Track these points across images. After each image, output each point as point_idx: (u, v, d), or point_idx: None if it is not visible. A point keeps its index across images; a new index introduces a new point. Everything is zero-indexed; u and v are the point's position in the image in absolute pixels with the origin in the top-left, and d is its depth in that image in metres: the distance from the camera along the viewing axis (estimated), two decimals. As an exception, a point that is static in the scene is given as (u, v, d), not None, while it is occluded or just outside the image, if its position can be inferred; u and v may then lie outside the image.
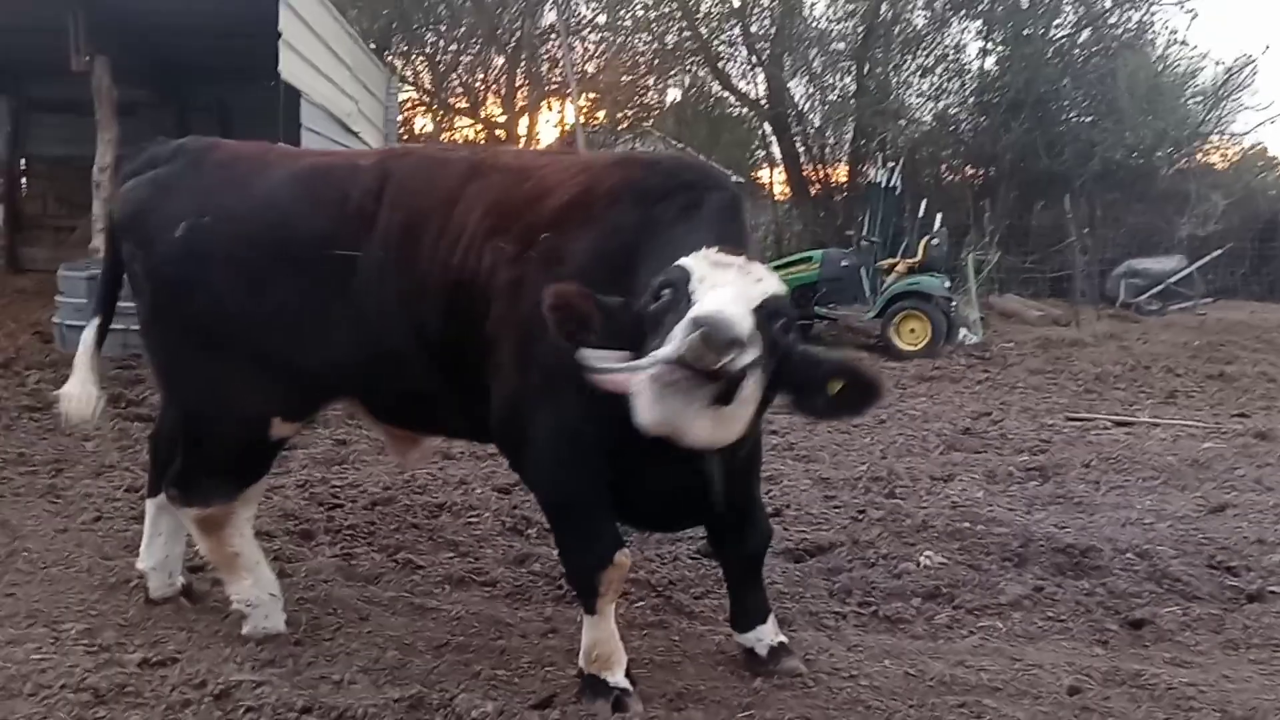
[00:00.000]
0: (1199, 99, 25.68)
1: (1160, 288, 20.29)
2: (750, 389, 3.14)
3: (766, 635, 4.29)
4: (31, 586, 4.91)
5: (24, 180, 18.11)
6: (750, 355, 3.01)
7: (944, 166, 27.02)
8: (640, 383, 3.09)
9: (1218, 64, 25.48)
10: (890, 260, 15.79)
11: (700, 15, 26.16)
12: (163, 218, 4.08)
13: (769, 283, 3.26)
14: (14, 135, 17.35)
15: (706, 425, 3.15)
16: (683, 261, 3.25)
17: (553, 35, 26.60)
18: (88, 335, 4.52)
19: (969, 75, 25.52)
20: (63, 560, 5.26)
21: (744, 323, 3.00)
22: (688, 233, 3.49)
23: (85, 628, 4.33)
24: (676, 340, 2.94)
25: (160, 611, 4.63)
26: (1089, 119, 23.97)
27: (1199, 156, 26.30)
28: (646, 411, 3.12)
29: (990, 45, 24.95)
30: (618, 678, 3.87)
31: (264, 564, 4.44)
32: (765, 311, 3.16)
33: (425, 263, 3.93)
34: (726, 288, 3.12)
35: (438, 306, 3.92)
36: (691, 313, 2.98)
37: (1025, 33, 23.63)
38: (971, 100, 25.43)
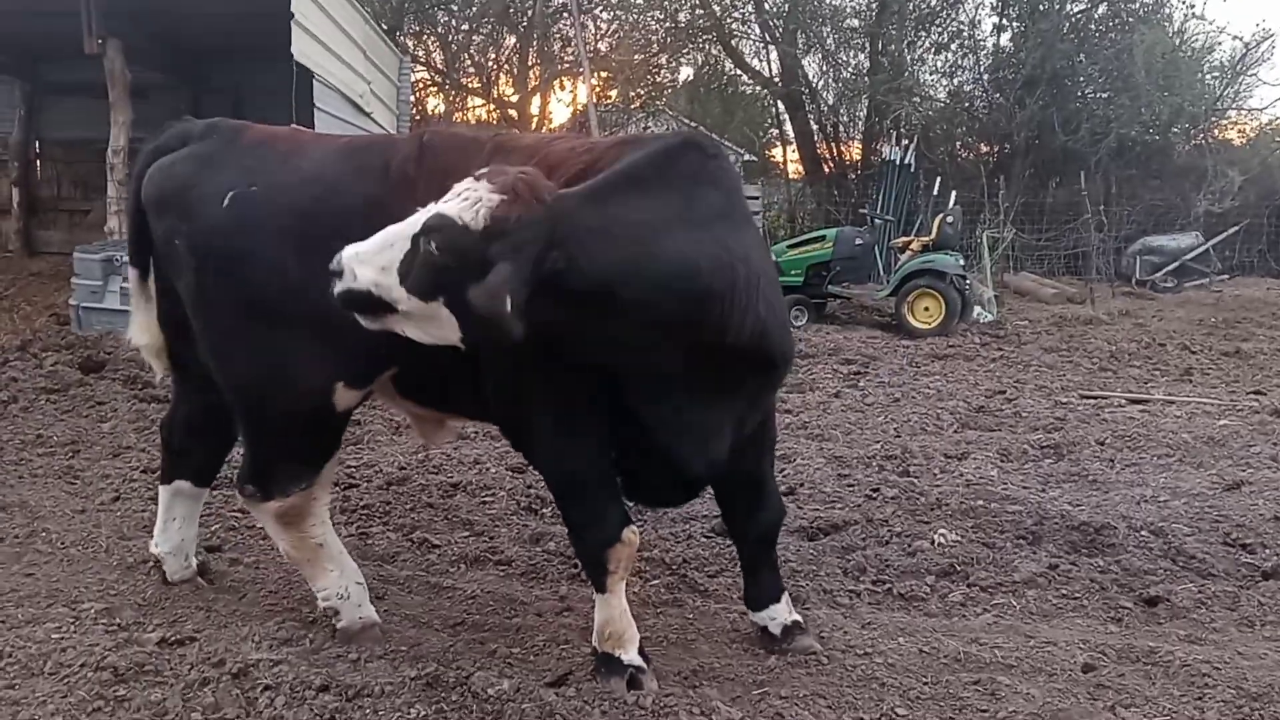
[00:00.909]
0: (1216, 74, 25.51)
1: (1176, 265, 20.14)
2: (407, 296, 3.30)
3: (780, 614, 4.31)
4: (51, 566, 4.97)
5: (38, 163, 18.13)
6: (354, 281, 3.32)
7: (958, 144, 26.88)
8: None
9: (1235, 38, 25.27)
10: (904, 238, 15.74)
11: (713, -8, 26.06)
12: (207, 191, 4.04)
13: (440, 205, 3.31)
14: (28, 119, 17.36)
15: (409, 329, 3.42)
16: None
17: (565, 14, 26.51)
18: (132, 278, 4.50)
19: (984, 52, 25.36)
20: (81, 540, 5.32)
21: (338, 258, 3.34)
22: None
23: (104, 607, 4.37)
24: None
25: (178, 591, 4.68)
26: (1105, 95, 23.76)
27: (1216, 132, 26.03)
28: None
29: (1005, 21, 24.79)
30: (631, 655, 3.90)
31: (345, 552, 4.39)
32: (421, 234, 3.27)
33: None
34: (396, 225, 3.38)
35: None
36: None
37: (1041, 8, 23.47)
38: (986, 77, 25.25)
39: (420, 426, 4.77)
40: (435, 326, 3.35)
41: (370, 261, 3.32)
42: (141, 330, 4.52)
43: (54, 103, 17.37)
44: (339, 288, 3.34)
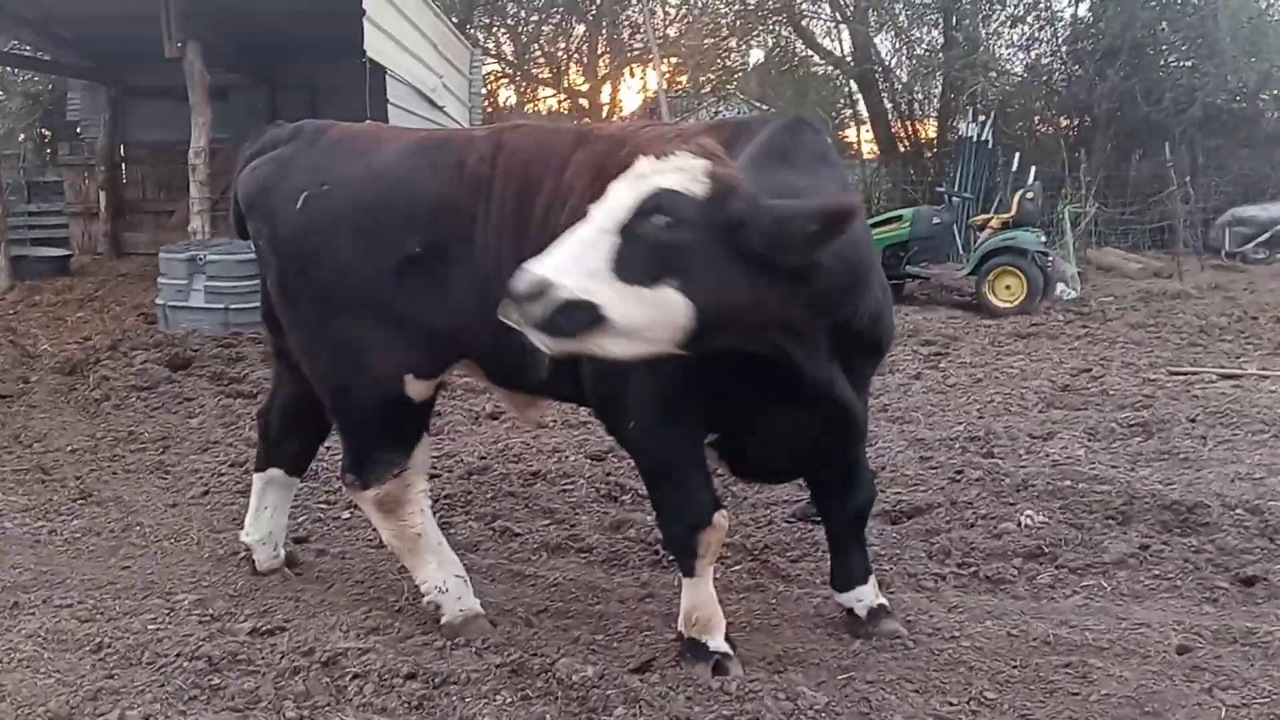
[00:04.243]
0: (1306, 37, 24.68)
1: (1267, 235, 19.54)
2: (619, 298, 3.03)
3: (867, 596, 4.27)
4: (146, 559, 5.10)
5: (124, 167, 18.56)
6: (564, 291, 2.98)
7: (1037, 118, 26.37)
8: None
9: (1326, -1, 24.47)
10: (983, 216, 15.49)
11: (783, -27, 25.85)
12: (284, 192, 4.17)
13: (655, 180, 3.12)
14: (113, 123, 17.78)
15: (618, 344, 3.12)
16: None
17: (634, 1, 26.48)
18: None
19: (1061, 23, 24.81)
20: (174, 534, 5.46)
21: (532, 274, 3.01)
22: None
23: (197, 598, 4.47)
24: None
25: (267, 582, 4.77)
26: (1188, 63, 23.12)
27: (1307, 97, 25.26)
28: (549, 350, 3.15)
29: (1083, -10, 24.25)
30: (718, 641, 3.88)
31: (445, 544, 4.44)
32: (637, 217, 3.07)
33: (537, 226, 3.95)
34: (591, 216, 3.14)
35: None
36: None
37: (1120, -24, 22.92)
38: (1064, 49, 24.71)
39: (514, 406, 4.83)
40: (654, 320, 3.12)
41: (574, 269, 3.05)
42: None
43: (137, 106, 17.79)
44: (543, 307, 3.00)
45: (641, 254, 3.05)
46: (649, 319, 3.09)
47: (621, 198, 3.13)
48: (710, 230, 3.09)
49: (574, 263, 3.04)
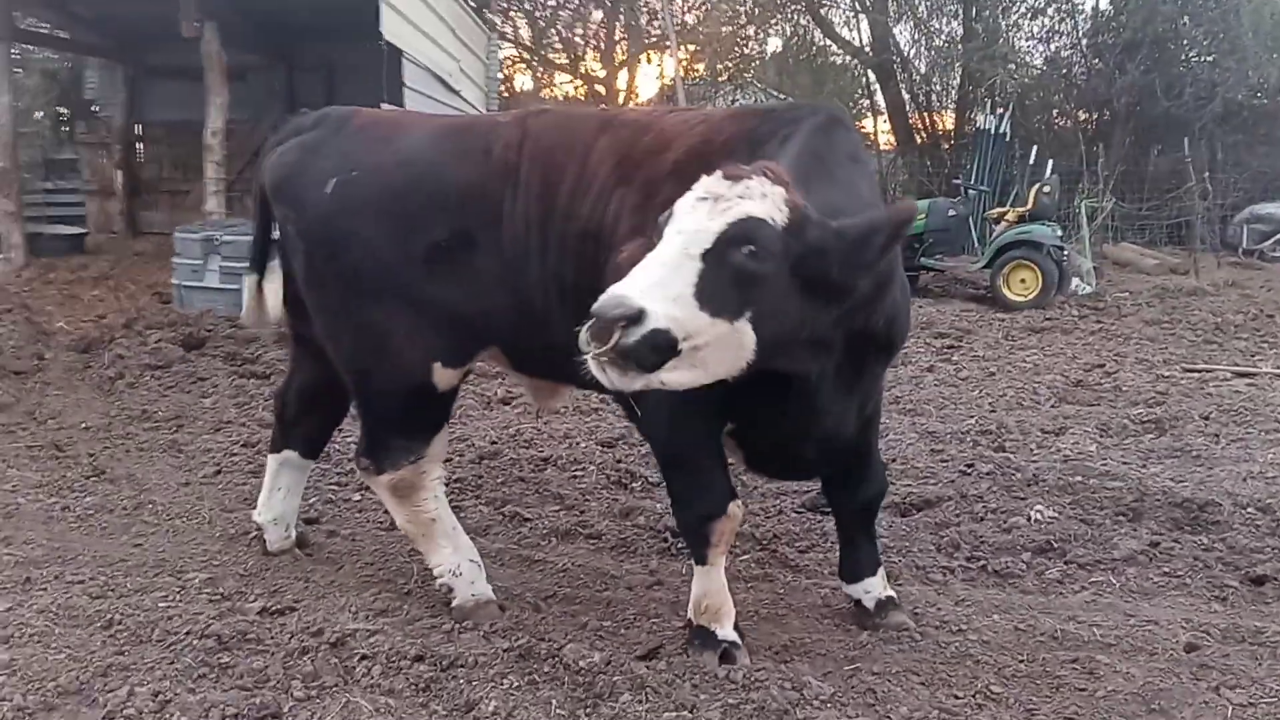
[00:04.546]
0: (1329, 34, 24.47)
1: (1285, 233, 19.48)
2: (703, 329, 2.95)
3: (875, 588, 4.28)
4: (157, 537, 5.13)
5: (141, 146, 18.58)
6: (656, 320, 2.84)
7: (1055, 111, 26.21)
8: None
9: (1349, -4, 24.22)
10: (999, 209, 15.42)
11: (802, -38, 25.75)
12: (312, 178, 4.18)
13: (739, 208, 3.04)
14: (130, 102, 17.79)
15: (682, 375, 3.02)
16: (682, 199, 3.16)
17: (652, -13, 26.43)
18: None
19: (1082, 16, 24.71)
20: (185, 512, 5.48)
21: (627, 301, 2.85)
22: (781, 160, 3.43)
23: (208, 577, 4.50)
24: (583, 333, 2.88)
25: (278, 562, 4.79)
26: (1210, 58, 22.94)
27: (1328, 95, 25.06)
28: (607, 381, 2.97)
29: (1105, -16, 24.11)
30: (726, 630, 3.89)
31: (460, 529, 4.46)
32: (721, 246, 2.98)
33: (560, 213, 3.96)
34: (669, 240, 3.03)
35: (570, 257, 3.94)
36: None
37: (1142, -30, 22.75)
38: (1085, 42, 24.59)
39: (534, 393, 4.83)
40: (730, 353, 3.05)
41: (660, 294, 2.89)
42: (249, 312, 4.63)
43: (154, 86, 17.77)
44: (637, 335, 2.84)
45: (725, 284, 2.98)
46: (726, 352, 3.05)
47: (706, 222, 3.03)
48: (786, 260, 3.06)
49: (660, 289, 2.91)
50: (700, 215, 3.05)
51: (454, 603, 4.25)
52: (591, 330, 2.85)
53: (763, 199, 3.05)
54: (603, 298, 2.87)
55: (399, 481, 4.24)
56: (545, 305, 4.01)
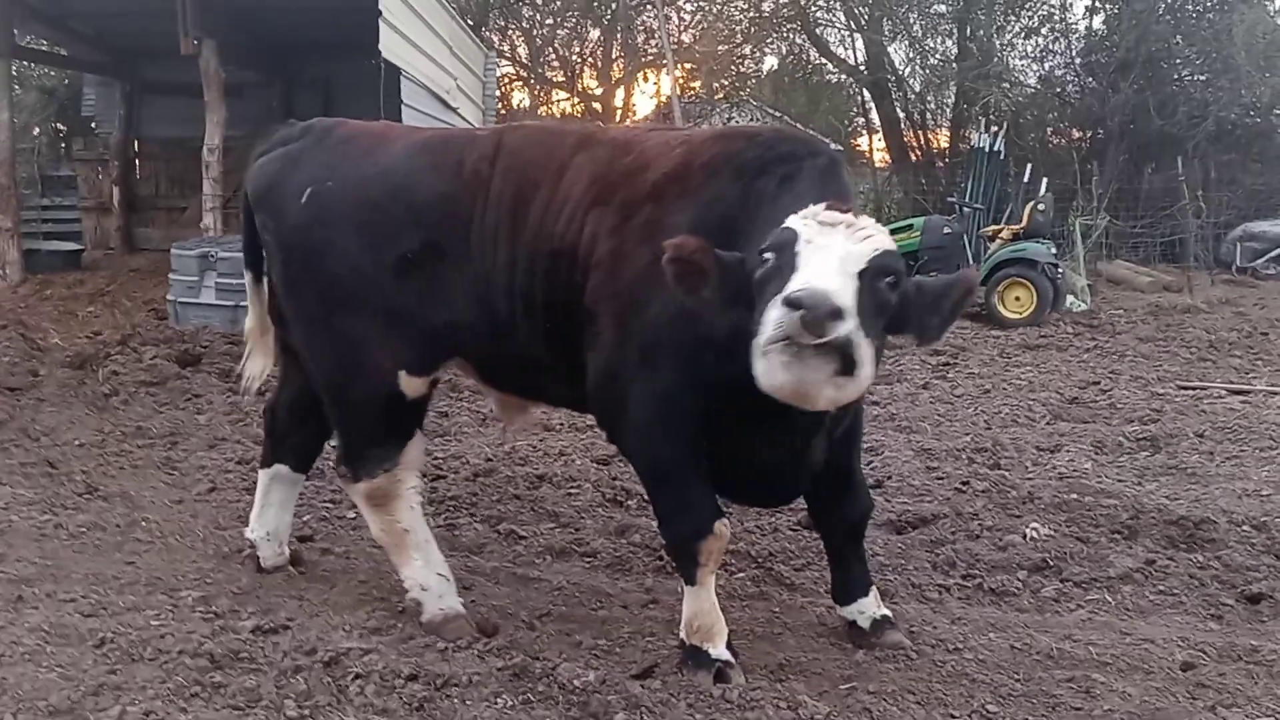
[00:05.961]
0: (1321, 54, 24.55)
1: (1278, 251, 19.49)
2: (865, 349, 3.05)
3: (869, 608, 4.27)
4: (151, 555, 5.11)
5: (138, 162, 18.58)
6: (853, 322, 2.94)
7: (1049, 129, 26.29)
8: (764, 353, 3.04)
9: (1341, 16, 24.32)
10: (994, 226, 15.45)
11: (797, -20, 25.81)
12: (290, 188, 4.24)
13: (877, 239, 3.17)
14: (127, 118, 17.79)
15: (830, 389, 3.08)
16: (790, 222, 3.21)
17: (649, 6, 26.51)
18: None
19: (1075, 35, 24.72)
20: (179, 530, 5.46)
21: (841, 293, 2.95)
22: (792, 201, 3.42)
23: (201, 595, 4.47)
24: (774, 321, 2.93)
25: (271, 580, 4.77)
26: (1203, 77, 23.04)
27: (1320, 114, 25.14)
28: (772, 378, 3.06)
29: (1098, 3, 24.16)
30: (719, 649, 3.87)
31: (433, 543, 4.46)
32: (872, 271, 3.10)
33: (532, 230, 3.98)
34: (826, 254, 3.07)
35: (541, 274, 3.96)
36: (784, 291, 2.94)
37: (1135, -11, 22.85)
38: (1078, 61, 24.63)
39: (502, 409, 4.86)
40: (855, 377, 3.07)
41: (846, 299, 2.97)
42: (252, 324, 4.75)
43: (152, 102, 17.77)
44: (844, 330, 2.92)
45: (871, 307, 3.06)
46: (868, 375, 3.12)
47: (853, 246, 3.10)
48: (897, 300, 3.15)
49: (843, 291, 2.97)
50: (840, 238, 3.11)
51: (423, 617, 4.27)
52: (803, 320, 2.88)
53: (884, 234, 3.17)
54: (802, 291, 2.90)
55: (375, 490, 4.28)
56: (511, 318, 4.04)
